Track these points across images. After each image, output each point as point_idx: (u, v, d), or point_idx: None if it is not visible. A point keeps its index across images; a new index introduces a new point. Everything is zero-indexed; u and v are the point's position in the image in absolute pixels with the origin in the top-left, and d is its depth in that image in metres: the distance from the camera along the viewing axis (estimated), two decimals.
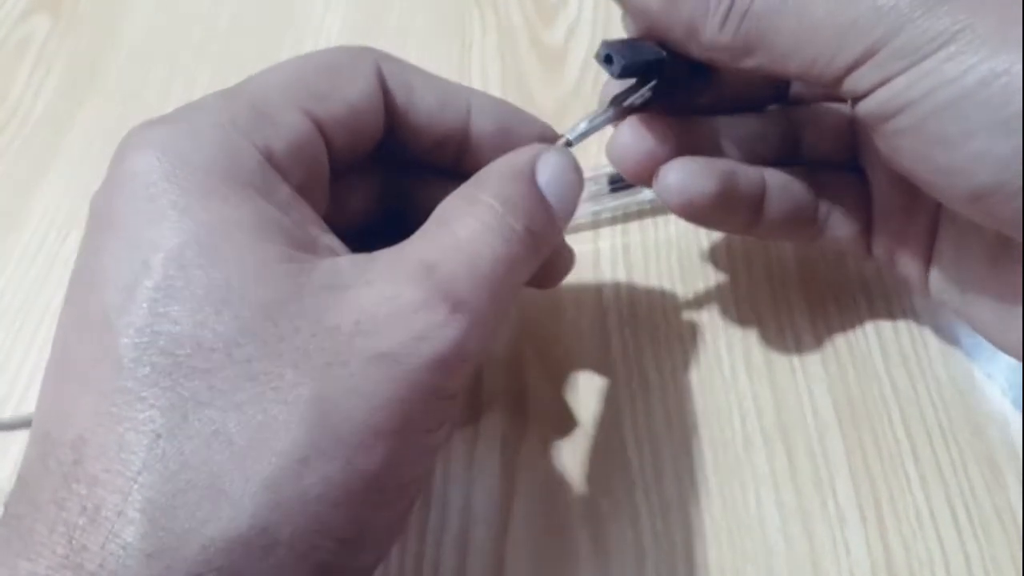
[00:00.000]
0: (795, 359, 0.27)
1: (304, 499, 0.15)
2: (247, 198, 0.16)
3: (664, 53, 0.21)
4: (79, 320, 0.16)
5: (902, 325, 0.27)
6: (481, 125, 0.21)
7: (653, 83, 0.22)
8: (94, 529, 0.14)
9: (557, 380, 0.27)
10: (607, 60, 0.20)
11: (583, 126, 0.22)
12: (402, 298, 0.16)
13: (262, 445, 0.14)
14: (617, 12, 0.39)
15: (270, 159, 0.17)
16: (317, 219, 0.18)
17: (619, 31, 0.38)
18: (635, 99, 0.22)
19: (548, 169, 0.19)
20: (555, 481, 0.25)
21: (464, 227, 0.17)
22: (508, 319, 0.28)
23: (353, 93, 0.19)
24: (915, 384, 0.26)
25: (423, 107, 0.21)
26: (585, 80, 0.36)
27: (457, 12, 0.40)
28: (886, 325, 0.27)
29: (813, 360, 0.27)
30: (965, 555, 0.23)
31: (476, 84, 0.37)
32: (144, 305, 0.15)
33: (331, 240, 0.18)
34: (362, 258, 0.17)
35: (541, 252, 0.19)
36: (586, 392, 0.27)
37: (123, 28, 0.41)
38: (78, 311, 0.16)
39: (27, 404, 0.29)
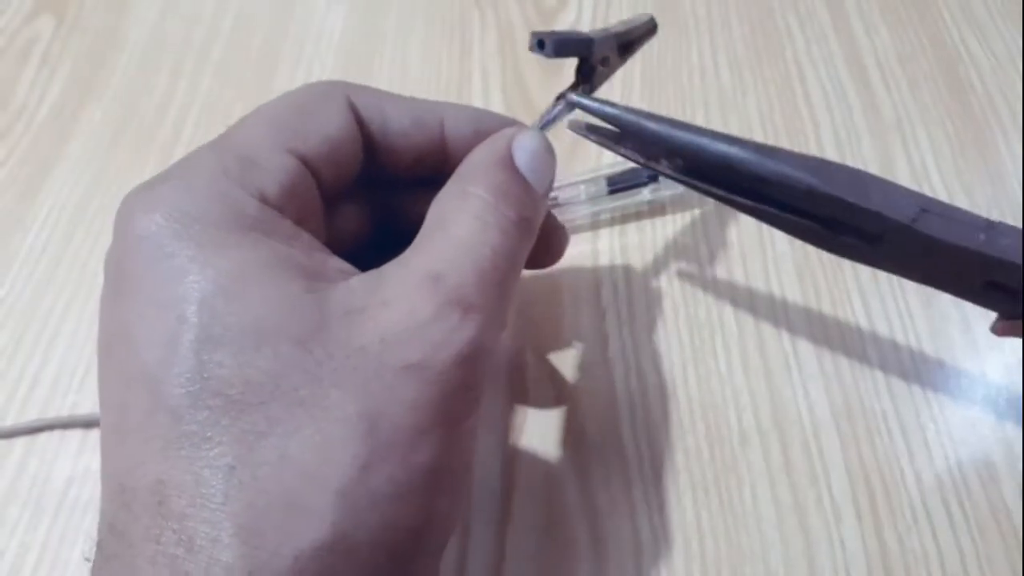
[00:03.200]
0: (791, 356, 0.27)
1: (374, 500, 0.16)
2: (255, 241, 0.17)
3: (591, 36, 0.21)
4: (122, 380, 0.17)
5: (896, 323, 0.28)
6: (456, 135, 0.22)
7: (590, 78, 0.22)
8: (192, 557, 0.15)
9: (556, 378, 0.28)
10: (540, 45, 0.20)
11: (537, 123, 0.22)
12: (418, 312, 0.17)
13: (326, 461, 0.16)
14: (615, 17, 0.40)
15: (265, 201, 0.18)
16: (320, 245, 0.19)
17: None
18: (578, 93, 0.22)
19: (524, 151, 0.20)
20: (554, 478, 0.26)
21: (461, 226, 0.18)
22: (513, 304, 0.28)
23: (329, 126, 0.20)
24: (909, 381, 0.26)
25: (397, 128, 0.22)
26: None
27: (457, 13, 0.40)
28: (881, 323, 0.28)
29: (808, 357, 0.27)
30: (960, 551, 0.23)
31: (476, 84, 0.37)
32: (188, 356, 0.16)
33: (337, 262, 0.19)
34: (372, 276, 0.18)
35: (533, 234, 0.20)
36: (585, 390, 0.27)
37: (127, 30, 0.42)
38: (118, 372, 0.17)
39: (31, 406, 0.29)
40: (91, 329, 0.31)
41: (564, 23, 0.39)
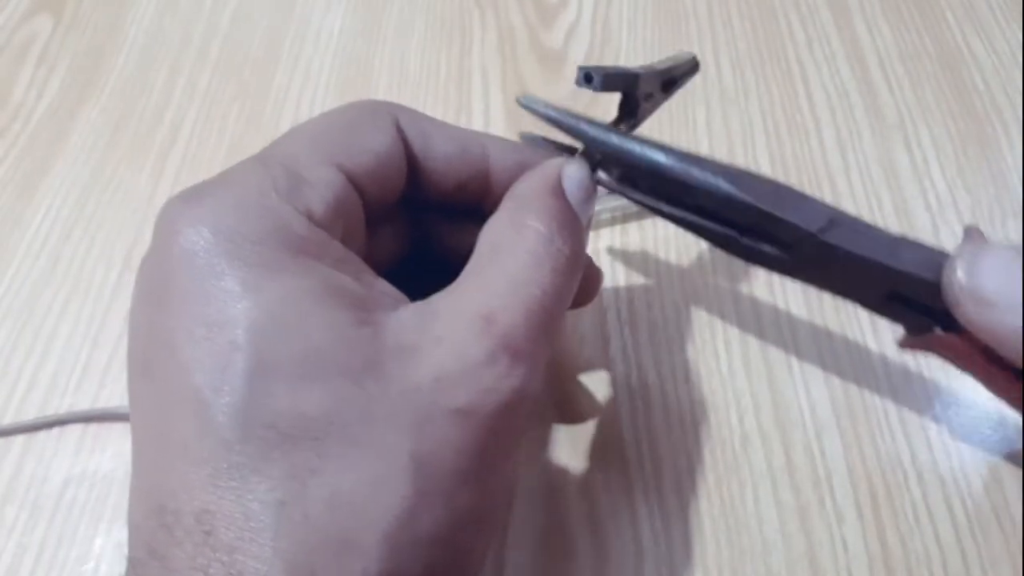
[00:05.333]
0: (792, 357, 0.27)
1: (418, 542, 0.16)
2: (306, 266, 0.17)
3: (637, 71, 0.22)
4: (165, 397, 0.16)
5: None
6: (501, 167, 0.22)
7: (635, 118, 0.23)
8: None
9: (557, 379, 0.28)
10: (587, 79, 0.21)
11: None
12: (469, 355, 0.17)
13: (376, 502, 0.16)
14: (615, 17, 0.40)
15: (312, 219, 0.18)
16: (366, 267, 0.19)
17: (617, 35, 0.39)
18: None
19: (572, 181, 0.20)
20: (554, 479, 0.25)
21: (514, 260, 0.18)
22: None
23: (376, 144, 0.20)
24: (911, 382, 0.26)
25: (441, 154, 0.21)
26: None
27: (457, 12, 0.40)
28: (882, 323, 0.27)
29: (810, 358, 0.27)
30: (962, 552, 0.23)
31: (476, 84, 0.37)
32: (240, 384, 0.16)
33: (384, 285, 0.19)
34: (423, 308, 0.18)
35: (580, 269, 0.20)
36: (585, 390, 0.27)
37: (125, 28, 0.42)
38: (161, 388, 0.17)
39: (28, 406, 0.29)
40: (89, 329, 0.31)
41: (564, 23, 0.39)
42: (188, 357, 0.16)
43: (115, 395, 0.29)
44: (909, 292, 0.19)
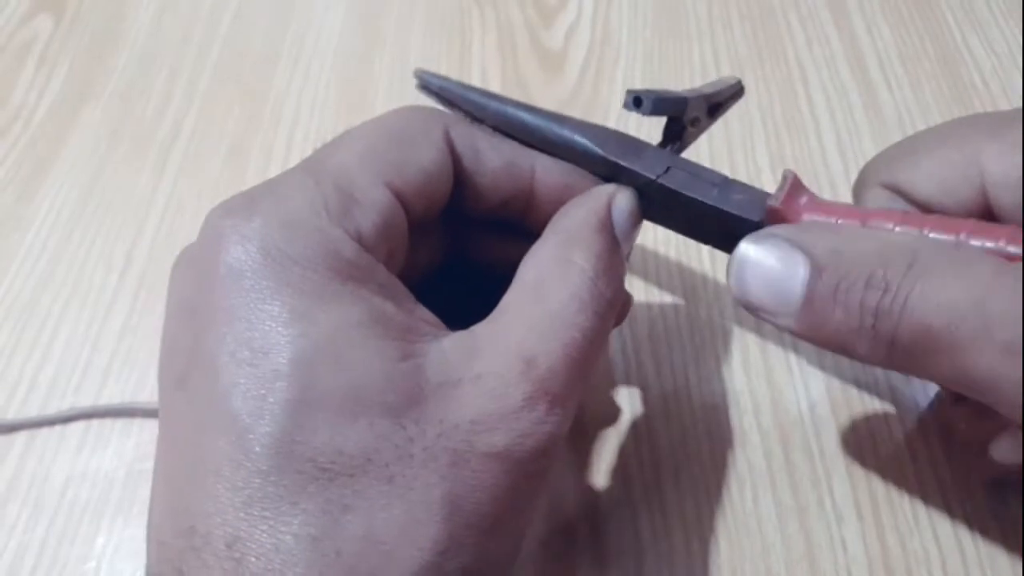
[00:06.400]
0: (792, 357, 0.27)
1: None
2: (354, 294, 0.17)
3: (685, 96, 0.22)
4: (202, 418, 0.16)
5: None
6: (547, 186, 0.21)
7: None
8: None
9: None
10: (636, 103, 0.21)
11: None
12: (509, 398, 0.17)
13: (408, 543, 0.16)
14: (615, 17, 0.40)
15: (361, 242, 0.18)
16: (407, 292, 0.19)
17: (617, 35, 0.39)
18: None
19: (620, 213, 0.20)
20: (554, 478, 0.25)
21: (558, 300, 0.18)
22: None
23: (426, 159, 0.20)
24: (911, 380, 0.26)
25: (489, 169, 0.21)
26: (584, 81, 0.36)
27: (457, 11, 0.40)
28: None
29: (810, 358, 0.27)
30: (962, 553, 0.23)
31: (475, 83, 0.37)
32: (281, 415, 0.16)
33: (424, 312, 0.19)
34: (464, 341, 0.18)
35: (618, 308, 0.20)
36: (584, 390, 0.27)
37: (125, 29, 0.42)
38: (198, 408, 0.16)
39: (29, 406, 0.29)
40: (89, 330, 0.31)
41: (564, 23, 0.39)
42: (229, 380, 0.16)
43: (115, 396, 0.29)
44: (738, 232, 0.20)
